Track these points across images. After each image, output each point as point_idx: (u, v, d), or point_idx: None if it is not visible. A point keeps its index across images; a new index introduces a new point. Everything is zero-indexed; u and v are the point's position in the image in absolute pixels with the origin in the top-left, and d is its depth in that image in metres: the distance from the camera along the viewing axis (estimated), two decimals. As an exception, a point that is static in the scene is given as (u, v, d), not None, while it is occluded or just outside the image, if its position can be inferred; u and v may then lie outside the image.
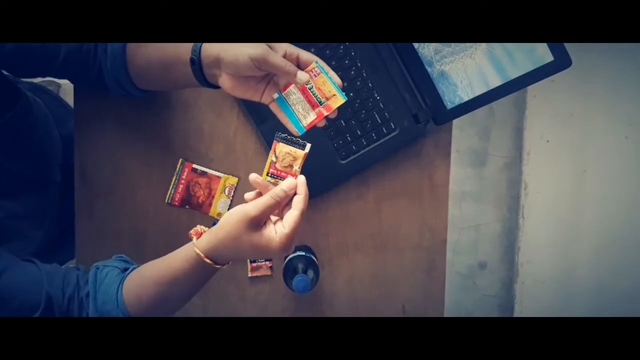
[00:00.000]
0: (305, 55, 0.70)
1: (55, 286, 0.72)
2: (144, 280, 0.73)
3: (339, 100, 0.71)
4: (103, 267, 0.75)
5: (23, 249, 0.92)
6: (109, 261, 0.77)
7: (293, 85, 0.71)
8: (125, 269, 0.75)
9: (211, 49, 0.69)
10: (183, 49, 0.71)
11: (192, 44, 0.70)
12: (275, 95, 0.71)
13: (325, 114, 0.71)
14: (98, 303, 0.72)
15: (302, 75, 0.68)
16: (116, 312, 0.72)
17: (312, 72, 0.70)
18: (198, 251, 0.68)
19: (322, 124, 0.72)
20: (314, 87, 0.70)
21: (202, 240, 0.68)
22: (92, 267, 0.76)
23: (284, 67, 0.67)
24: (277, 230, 0.66)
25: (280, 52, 0.68)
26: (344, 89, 0.90)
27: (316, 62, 0.70)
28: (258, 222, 0.66)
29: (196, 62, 0.70)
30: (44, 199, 0.92)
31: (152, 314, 0.74)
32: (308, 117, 0.71)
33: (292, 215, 0.66)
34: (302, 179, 0.68)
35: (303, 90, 0.71)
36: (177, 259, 0.70)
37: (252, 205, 0.65)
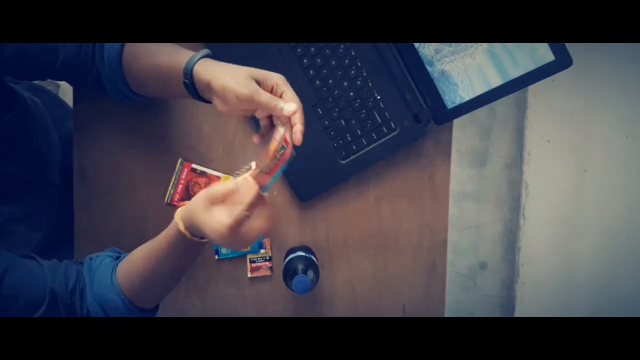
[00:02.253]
0: (289, 96, 0.68)
1: (59, 281, 0.73)
2: (134, 259, 0.74)
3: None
4: (96, 257, 0.77)
5: (21, 250, 0.92)
6: (102, 252, 0.79)
7: None
8: (118, 257, 0.77)
9: (203, 75, 0.69)
10: (177, 68, 0.71)
11: (185, 62, 0.70)
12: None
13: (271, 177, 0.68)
14: (94, 289, 0.74)
15: (290, 107, 0.66)
16: (112, 295, 0.73)
17: (275, 138, 0.68)
18: (177, 219, 0.67)
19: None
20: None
21: (182, 211, 0.68)
22: (85, 259, 0.77)
23: (271, 104, 0.66)
24: (225, 215, 0.63)
25: (269, 85, 0.67)
26: (344, 89, 0.91)
27: (283, 129, 0.68)
28: (213, 200, 0.64)
29: (189, 85, 0.71)
30: (43, 201, 0.92)
31: (146, 293, 0.75)
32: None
33: (237, 208, 0.63)
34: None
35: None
36: (161, 235, 0.71)
37: (217, 185, 0.65)
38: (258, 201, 0.64)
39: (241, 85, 0.66)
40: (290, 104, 0.66)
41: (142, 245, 0.74)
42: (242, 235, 0.64)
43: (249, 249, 0.96)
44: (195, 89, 0.71)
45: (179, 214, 0.68)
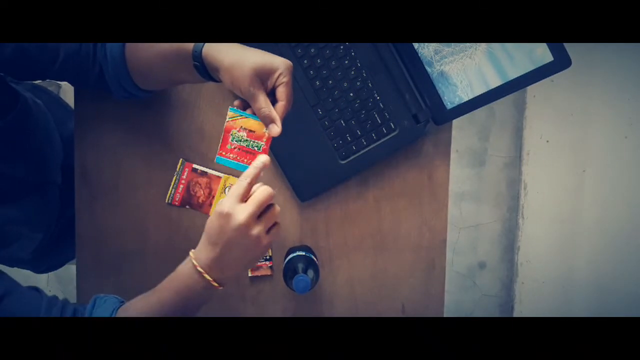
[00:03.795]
0: (280, 92, 0.69)
1: (54, 315, 0.72)
2: (137, 302, 0.73)
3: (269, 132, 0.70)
4: (104, 296, 0.76)
5: (23, 249, 0.92)
6: (110, 295, 0.78)
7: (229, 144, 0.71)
8: (122, 302, 0.76)
9: (212, 60, 0.69)
10: (184, 52, 0.71)
11: (191, 45, 0.70)
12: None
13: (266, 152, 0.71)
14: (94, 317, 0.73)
15: (273, 130, 0.69)
16: None
17: (233, 121, 0.70)
18: (192, 257, 0.68)
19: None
20: (243, 135, 0.70)
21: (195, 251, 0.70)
22: (93, 297, 0.77)
23: (262, 112, 0.69)
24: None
25: (275, 74, 0.68)
26: (344, 89, 0.91)
27: (230, 109, 0.70)
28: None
29: (200, 67, 0.71)
30: (44, 201, 0.92)
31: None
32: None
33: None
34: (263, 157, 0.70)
35: (237, 148, 0.71)
36: (166, 280, 0.71)
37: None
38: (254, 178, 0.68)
39: (245, 83, 0.67)
40: (274, 129, 0.69)
41: (148, 292, 0.73)
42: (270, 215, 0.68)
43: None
44: (206, 71, 0.71)
45: (193, 254, 0.69)
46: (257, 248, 0.68)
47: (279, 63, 0.68)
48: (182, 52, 0.71)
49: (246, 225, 0.65)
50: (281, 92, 0.69)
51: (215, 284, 0.69)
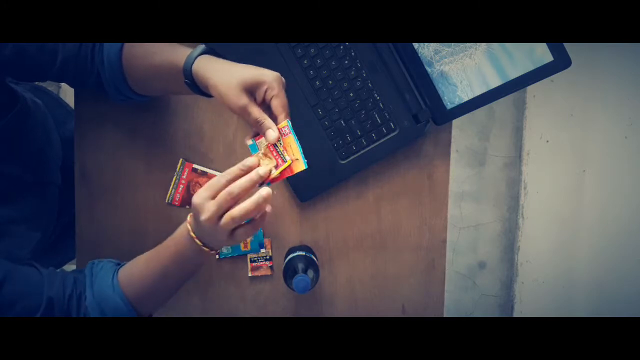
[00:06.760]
0: (275, 104, 0.69)
1: (56, 288, 0.73)
2: (137, 262, 0.76)
3: (301, 165, 0.71)
4: (99, 261, 0.78)
5: (21, 248, 0.92)
6: (105, 259, 0.80)
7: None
8: (119, 264, 0.78)
9: (201, 78, 0.70)
10: (176, 68, 0.72)
11: (183, 62, 0.71)
12: (249, 142, 0.72)
13: (286, 176, 0.71)
14: (95, 289, 0.74)
15: (270, 135, 0.69)
16: (113, 295, 0.74)
17: (282, 130, 0.70)
18: (188, 221, 0.70)
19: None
20: (281, 145, 0.70)
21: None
22: (88, 263, 0.78)
23: (258, 122, 0.69)
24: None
25: (263, 87, 0.68)
26: (344, 89, 0.91)
27: (288, 122, 0.70)
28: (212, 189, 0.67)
29: (191, 85, 0.72)
30: (43, 201, 0.92)
31: (145, 295, 0.75)
32: (272, 172, 0.71)
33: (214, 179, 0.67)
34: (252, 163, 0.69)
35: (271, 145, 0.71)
36: (167, 240, 0.73)
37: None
38: (250, 187, 0.67)
39: (234, 98, 0.68)
40: (271, 133, 0.69)
41: (147, 253, 0.75)
42: (227, 219, 0.66)
43: (248, 246, 0.96)
44: (198, 87, 0.72)
45: (190, 218, 0.70)
46: (224, 241, 0.69)
47: (266, 76, 0.69)
48: (174, 67, 0.72)
49: (209, 222, 0.66)
50: (275, 106, 0.69)
51: (206, 249, 0.70)
